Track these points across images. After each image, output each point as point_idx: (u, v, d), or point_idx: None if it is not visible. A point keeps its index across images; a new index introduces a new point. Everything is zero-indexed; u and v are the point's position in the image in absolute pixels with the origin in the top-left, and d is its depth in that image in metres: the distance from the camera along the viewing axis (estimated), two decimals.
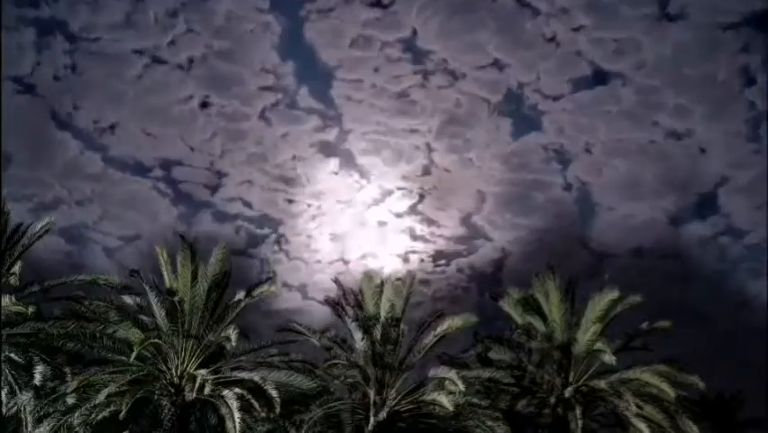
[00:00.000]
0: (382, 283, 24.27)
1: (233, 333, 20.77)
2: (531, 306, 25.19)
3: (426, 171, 49.64)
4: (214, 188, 50.17)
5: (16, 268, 22.22)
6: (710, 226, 47.64)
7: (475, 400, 22.79)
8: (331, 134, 49.38)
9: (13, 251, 22.23)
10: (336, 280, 25.28)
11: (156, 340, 21.31)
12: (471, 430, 22.70)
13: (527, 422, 24.35)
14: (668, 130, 47.62)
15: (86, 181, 48.80)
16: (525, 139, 49.28)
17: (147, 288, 21.95)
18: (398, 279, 24.61)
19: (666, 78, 46.93)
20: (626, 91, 47.34)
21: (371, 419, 22.60)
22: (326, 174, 50.28)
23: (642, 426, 23.11)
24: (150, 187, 49.84)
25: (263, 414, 20.80)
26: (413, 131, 49.36)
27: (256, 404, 20.54)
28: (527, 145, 49.24)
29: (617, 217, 49.18)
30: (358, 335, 23.12)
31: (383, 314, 23.52)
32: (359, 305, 24.17)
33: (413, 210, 49.86)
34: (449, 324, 23.40)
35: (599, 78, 47.33)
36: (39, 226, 22.59)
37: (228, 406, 20.47)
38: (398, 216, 50.09)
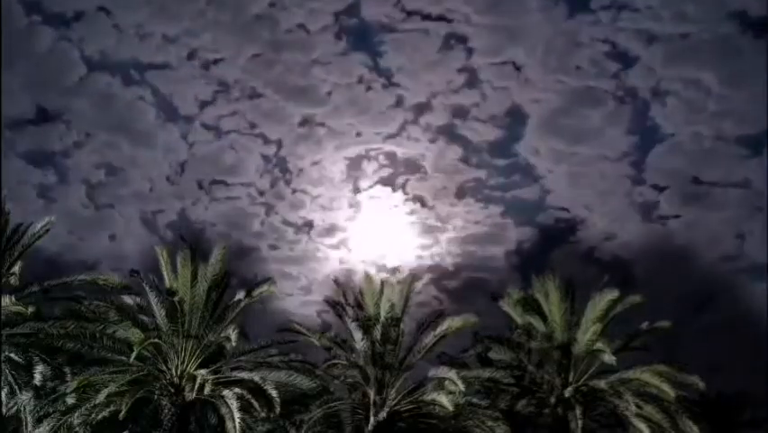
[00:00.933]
0: (382, 283, 24.30)
1: (233, 333, 20.77)
2: (531, 306, 25.18)
3: (468, 83, 40.83)
4: (206, 103, 42.24)
5: (16, 268, 22.23)
6: None
7: (475, 400, 22.84)
8: (351, 21, 39.90)
9: (13, 251, 22.24)
10: (336, 280, 25.32)
11: (156, 340, 21.30)
12: (471, 430, 22.71)
13: (527, 422, 24.34)
14: (754, 18, 37.87)
15: (61, 91, 40.66)
16: (577, 25, 39.79)
17: (147, 288, 21.97)
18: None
19: None
20: None
21: (371, 419, 22.61)
22: (347, 83, 41.13)
23: (642, 426, 23.12)
24: (135, 98, 41.85)
25: (263, 414, 20.79)
26: (448, 20, 40.64)
27: (256, 404, 20.55)
28: (579, 37, 40.08)
29: (678, 141, 41.20)
30: (358, 335, 23.15)
31: (383, 314, 23.55)
32: (359, 305, 24.19)
33: (448, 131, 41.64)
34: (449, 324, 23.44)
35: None
36: (39, 226, 22.61)
37: (228, 406, 20.47)
38: (432, 141, 41.92)
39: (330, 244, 42.94)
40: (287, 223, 42.36)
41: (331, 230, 42.22)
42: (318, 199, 42.61)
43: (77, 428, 19.94)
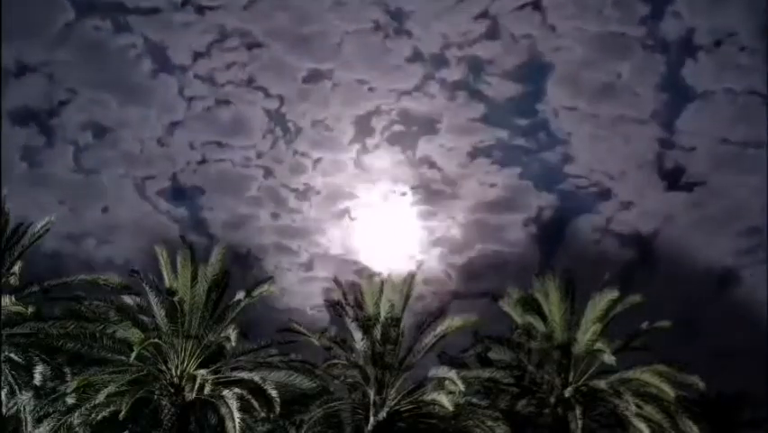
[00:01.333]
0: (382, 283, 24.29)
1: (232, 333, 20.77)
2: (531, 306, 25.18)
3: (489, 34, 37.39)
4: (200, 54, 38.42)
5: (16, 268, 22.24)
6: None
7: (475, 400, 22.81)
8: None
9: (13, 251, 22.25)
10: (336, 280, 25.30)
11: (156, 340, 21.31)
12: (471, 430, 22.70)
13: (527, 422, 24.34)
14: None
15: (48, 43, 37.24)
16: None
17: (147, 288, 21.99)
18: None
19: None
20: None
21: (371, 419, 22.60)
22: (356, 32, 37.80)
23: (642, 426, 23.11)
24: (127, 45, 38.09)
25: (263, 414, 20.81)
26: None
27: (256, 404, 20.55)
28: None
29: (708, 98, 38.64)
30: (358, 335, 23.15)
31: (383, 314, 23.54)
32: (359, 305, 24.18)
33: (466, 87, 38.02)
34: (449, 324, 23.44)
35: None
36: (39, 226, 22.63)
37: (228, 406, 20.48)
38: (450, 98, 38.43)
39: (333, 211, 40.31)
40: (286, 188, 39.53)
41: (334, 196, 39.52)
42: (320, 163, 39.59)
43: (77, 428, 19.95)
